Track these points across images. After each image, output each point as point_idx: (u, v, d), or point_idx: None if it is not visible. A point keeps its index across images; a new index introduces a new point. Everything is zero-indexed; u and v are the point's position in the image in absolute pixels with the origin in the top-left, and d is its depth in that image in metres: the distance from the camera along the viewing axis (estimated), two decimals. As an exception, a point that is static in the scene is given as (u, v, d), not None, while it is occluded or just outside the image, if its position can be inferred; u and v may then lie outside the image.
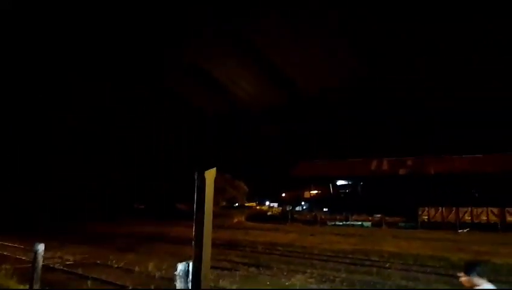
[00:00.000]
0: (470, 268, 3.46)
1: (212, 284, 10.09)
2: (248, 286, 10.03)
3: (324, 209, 49.14)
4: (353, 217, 41.64)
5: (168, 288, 7.69)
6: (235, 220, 45.12)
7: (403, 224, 36.65)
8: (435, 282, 11.42)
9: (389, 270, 13.47)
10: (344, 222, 40.49)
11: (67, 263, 14.40)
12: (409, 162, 40.63)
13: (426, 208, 36.60)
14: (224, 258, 15.28)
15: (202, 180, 3.13)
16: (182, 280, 4.40)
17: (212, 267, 12.23)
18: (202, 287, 3.17)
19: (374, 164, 42.59)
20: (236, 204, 66.91)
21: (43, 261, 7.05)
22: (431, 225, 34.16)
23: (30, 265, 7.07)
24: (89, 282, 8.93)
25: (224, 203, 63.44)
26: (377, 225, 37.36)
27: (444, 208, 35.44)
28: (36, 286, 6.37)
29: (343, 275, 12.30)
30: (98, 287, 8.50)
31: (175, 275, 4.52)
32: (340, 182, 49.08)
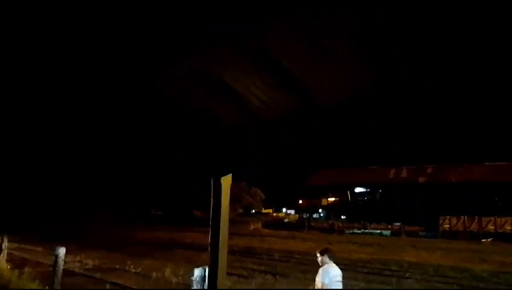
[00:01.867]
0: (323, 251, 5.32)
1: (228, 291, 10.08)
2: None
3: (342, 217, 48.58)
4: (371, 226, 41.01)
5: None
6: (252, 227, 45.05)
7: (423, 233, 35.83)
8: (456, 293, 11.10)
9: (408, 280, 13.17)
10: (362, 230, 39.89)
11: (87, 267, 14.66)
12: (429, 170, 39.81)
13: (447, 217, 35.71)
14: (240, 266, 15.25)
15: (218, 187, 3.16)
16: (199, 285, 4.43)
17: (229, 274, 12.23)
18: (218, 293, 3.18)
19: (392, 172, 41.91)
20: (253, 211, 66.85)
21: (64, 265, 7.20)
22: (452, 235, 33.26)
23: (51, 268, 7.24)
24: (107, 286, 9.10)
25: (240, 211, 63.47)
26: (396, 233, 36.64)
27: (466, 217, 34.49)
28: (57, 289, 6.51)
29: (361, 285, 12.08)
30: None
31: (191, 280, 4.56)
32: (358, 190, 48.46)
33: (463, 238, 31.41)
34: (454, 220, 35.24)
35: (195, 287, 4.41)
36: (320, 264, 5.26)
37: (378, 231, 38.67)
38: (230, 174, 3.22)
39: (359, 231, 39.79)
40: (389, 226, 39.98)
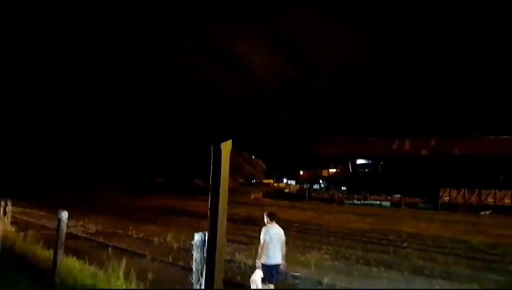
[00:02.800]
0: (269, 214, 6.60)
1: (229, 257, 10.26)
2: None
3: (342, 188, 49.02)
4: (372, 197, 41.41)
5: None
6: (252, 196, 45.63)
7: (422, 205, 36.23)
8: (453, 264, 11.27)
9: (406, 250, 13.39)
10: (362, 201, 40.33)
11: (90, 231, 14.96)
12: (432, 143, 39.67)
13: (448, 190, 35.94)
14: (241, 233, 15.50)
15: (218, 152, 3.07)
16: (199, 249, 4.47)
17: (229, 240, 12.45)
18: (217, 257, 3.17)
19: (395, 144, 41.82)
20: (254, 181, 67.57)
21: (67, 229, 7.29)
22: (452, 207, 33.61)
23: (54, 232, 7.33)
24: (110, 250, 9.28)
25: (241, 180, 64.15)
26: (396, 205, 37.05)
27: (466, 190, 34.70)
28: (60, 251, 6.61)
29: (359, 253, 12.30)
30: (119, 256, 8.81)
31: (192, 244, 4.60)
32: (359, 161, 48.60)
33: (462, 210, 31.75)
34: (454, 193, 35.51)
35: (195, 252, 4.47)
36: (265, 224, 6.50)
37: (378, 202, 39.12)
38: (231, 141, 3.12)
39: (359, 202, 40.26)
40: (389, 198, 40.38)
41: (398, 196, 39.23)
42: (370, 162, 47.43)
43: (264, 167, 69.58)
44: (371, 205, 38.25)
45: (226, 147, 3.05)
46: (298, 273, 9.08)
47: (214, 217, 3.18)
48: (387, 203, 38.40)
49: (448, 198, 35.72)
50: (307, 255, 11.56)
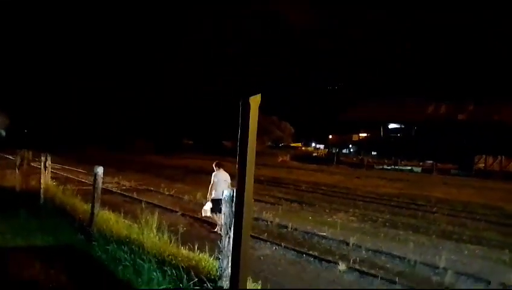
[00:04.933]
0: (216, 164, 8.81)
1: (256, 215, 10.51)
2: (290, 219, 10.34)
3: (372, 153, 48.25)
4: (402, 162, 40.60)
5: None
6: (280, 159, 45.83)
7: (455, 172, 35.18)
8: (483, 229, 11.03)
9: (435, 214, 13.20)
10: (392, 167, 39.65)
11: (124, 187, 15.67)
12: (470, 107, 37.80)
13: (483, 156, 34.60)
14: (267, 194, 15.76)
15: (247, 107, 3.01)
16: (227, 204, 4.57)
17: (256, 200, 12.69)
18: (245, 213, 3.22)
19: (430, 108, 40.20)
20: (282, 144, 67.67)
21: (102, 185, 7.63)
22: (487, 174, 32.46)
23: (91, 187, 7.71)
24: (143, 204, 9.73)
25: (269, 143, 64.41)
26: (427, 171, 36.20)
27: (503, 157, 33.28)
28: (97, 203, 6.97)
29: (386, 217, 12.25)
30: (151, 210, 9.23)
31: (220, 199, 4.72)
32: (392, 126, 47.27)
33: (498, 178, 30.63)
34: (490, 160, 34.17)
35: (224, 206, 4.58)
36: (214, 170, 8.76)
37: (409, 168, 38.34)
38: (260, 95, 3.05)
39: (389, 167, 39.62)
40: (421, 163, 39.44)
41: (430, 162, 38.22)
42: (402, 127, 46.00)
43: (293, 130, 69.28)
44: (401, 170, 37.56)
45: (255, 100, 3.00)
46: (324, 233, 9.20)
47: (242, 172, 3.19)
48: (418, 169, 37.57)
49: (483, 165, 34.47)
50: (333, 217, 11.65)
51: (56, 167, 16.17)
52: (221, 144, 55.25)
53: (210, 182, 8.67)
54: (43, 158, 10.07)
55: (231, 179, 8.53)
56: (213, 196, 8.50)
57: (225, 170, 8.78)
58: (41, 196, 9.38)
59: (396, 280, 6.23)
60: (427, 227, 10.96)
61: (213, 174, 8.71)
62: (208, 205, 8.69)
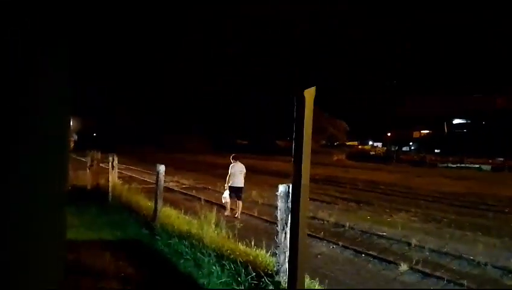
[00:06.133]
0: (233, 157, 10.41)
1: (311, 214, 10.41)
2: (347, 219, 10.10)
3: (435, 151, 45.51)
4: (469, 160, 37.80)
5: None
6: (335, 158, 44.91)
7: (531, 169, 32.01)
8: None
9: (508, 215, 12.13)
10: (458, 165, 37.08)
11: (183, 186, 16.34)
12: (548, 98, 34.19)
13: None
14: (323, 193, 15.52)
15: (301, 100, 3.00)
16: (283, 199, 4.60)
17: (311, 199, 12.56)
18: (301, 209, 3.19)
19: (500, 101, 36.99)
20: (337, 143, 66.23)
21: (164, 184, 8.06)
22: None
23: (153, 185, 8.17)
24: (202, 202, 10.11)
25: (323, 142, 63.35)
26: (497, 169, 33.35)
27: None
28: (160, 200, 7.37)
29: (452, 217, 11.49)
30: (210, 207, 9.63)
31: (276, 195, 4.76)
32: (456, 121, 44.23)
33: None
34: None
35: (279, 202, 4.61)
36: (232, 162, 10.15)
37: (477, 166, 35.60)
38: (314, 87, 3.01)
39: (454, 165, 37.12)
40: (490, 161, 36.45)
41: (501, 159, 35.18)
42: (469, 121, 42.83)
43: (348, 128, 67.50)
44: (468, 168, 34.99)
45: (310, 93, 2.98)
46: (384, 233, 8.87)
47: (298, 168, 3.19)
48: (487, 167, 34.75)
49: None
50: (393, 217, 11.18)
51: (121, 167, 17.30)
52: (275, 143, 55.48)
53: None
54: (110, 159, 10.84)
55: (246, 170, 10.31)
56: (230, 184, 9.95)
57: (241, 162, 10.23)
58: (110, 193, 10.11)
59: (465, 282, 5.84)
60: (499, 228, 10.11)
61: (230, 165, 10.11)
62: (227, 193, 10.00)
